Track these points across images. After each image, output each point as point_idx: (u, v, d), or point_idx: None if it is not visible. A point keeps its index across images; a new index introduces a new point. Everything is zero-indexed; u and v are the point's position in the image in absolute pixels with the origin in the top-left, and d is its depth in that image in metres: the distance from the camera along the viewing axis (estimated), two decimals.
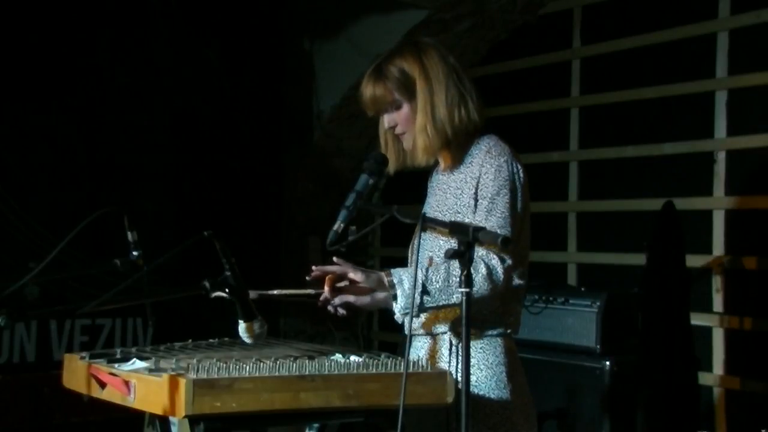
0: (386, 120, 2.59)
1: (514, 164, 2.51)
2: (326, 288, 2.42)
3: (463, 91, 2.55)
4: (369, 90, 2.56)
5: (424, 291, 2.36)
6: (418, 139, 2.52)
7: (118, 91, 5.11)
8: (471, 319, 2.13)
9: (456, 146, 2.57)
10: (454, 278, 2.36)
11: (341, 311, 2.46)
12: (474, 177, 2.50)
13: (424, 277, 2.37)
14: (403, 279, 2.38)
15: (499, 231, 2.39)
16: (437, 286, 2.37)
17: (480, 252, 2.37)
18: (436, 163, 2.68)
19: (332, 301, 2.43)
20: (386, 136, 2.64)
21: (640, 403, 3.99)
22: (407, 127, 2.56)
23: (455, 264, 2.34)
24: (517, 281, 2.50)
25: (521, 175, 2.51)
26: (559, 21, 5.22)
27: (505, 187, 2.46)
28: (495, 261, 2.39)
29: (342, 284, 2.44)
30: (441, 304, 2.40)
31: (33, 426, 4.61)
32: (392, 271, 2.41)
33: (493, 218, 2.44)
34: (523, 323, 2.62)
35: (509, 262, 2.41)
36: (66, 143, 4.93)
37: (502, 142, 2.56)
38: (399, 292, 2.37)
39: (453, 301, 2.39)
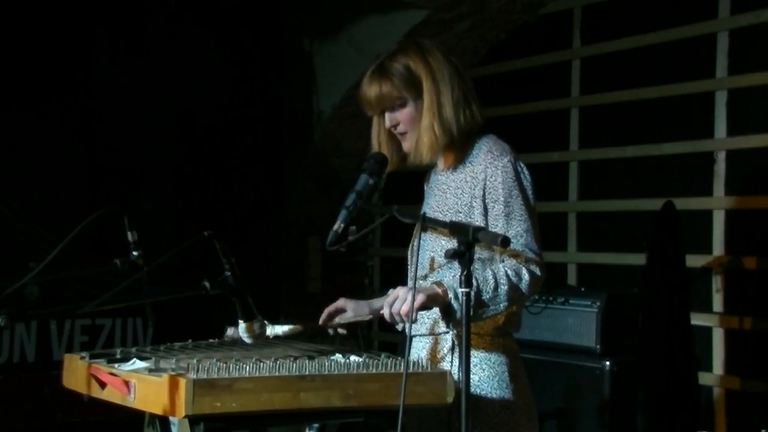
0: (387, 119, 2.56)
1: (518, 162, 2.50)
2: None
3: (467, 92, 2.55)
4: (374, 88, 2.52)
5: (481, 303, 2.31)
6: (424, 137, 2.50)
7: (118, 91, 5.11)
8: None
9: (458, 146, 2.56)
10: (502, 287, 2.33)
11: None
12: (477, 178, 2.49)
13: (477, 288, 2.28)
14: (458, 293, 2.30)
15: (525, 235, 2.41)
16: (488, 296, 2.33)
17: (514, 261, 2.38)
18: (433, 164, 2.67)
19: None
20: (379, 138, 2.62)
21: (640, 403, 3.99)
22: (411, 126, 2.54)
23: (500, 271, 2.34)
24: None
25: (526, 172, 2.51)
26: (559, 21, 5.22)
27: (516, 188, 2.45)
28: (533, 266, 2.39)
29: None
30: (489, 314, 2.37)
31: (33, 426, 4.61)
32: (444, 282, 2.36)
33: (514, 222, 2.43)
34: (523, 323, 2.62)
35: (542, 264, 2.41)
36: (66, 143, 4.93)
37: (501, 141, 2.56)
38: (456, 306, 2.31)
39: (500, 309, 2.37)
